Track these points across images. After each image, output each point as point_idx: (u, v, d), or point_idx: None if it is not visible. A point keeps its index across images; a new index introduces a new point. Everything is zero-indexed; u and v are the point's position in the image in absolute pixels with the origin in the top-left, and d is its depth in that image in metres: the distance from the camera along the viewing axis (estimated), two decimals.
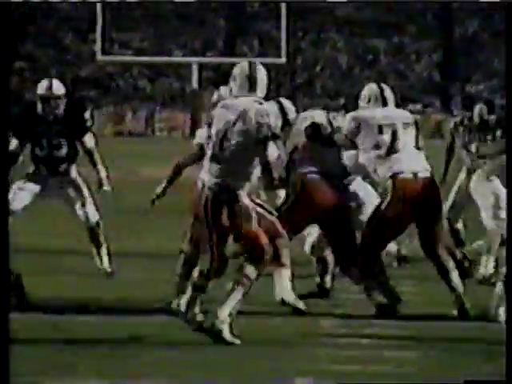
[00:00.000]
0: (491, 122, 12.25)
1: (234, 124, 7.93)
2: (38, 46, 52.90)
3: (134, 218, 15.90)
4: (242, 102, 8.08)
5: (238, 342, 7.64)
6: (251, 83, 8.24)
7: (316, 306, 9.19)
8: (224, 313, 7.62)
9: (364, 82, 51.96)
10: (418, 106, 48.27)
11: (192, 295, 7.91)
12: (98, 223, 10.93)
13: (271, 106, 8.60)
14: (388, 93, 9.45)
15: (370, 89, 9.53)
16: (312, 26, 52.32)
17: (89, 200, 10.95)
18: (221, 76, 50.45)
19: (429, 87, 51.20)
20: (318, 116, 9.51)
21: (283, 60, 24.49)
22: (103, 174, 11.06)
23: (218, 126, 7.99)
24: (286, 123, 9.07)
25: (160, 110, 47.36)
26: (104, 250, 11.01)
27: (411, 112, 10.36)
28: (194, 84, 45.56)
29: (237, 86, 8.22)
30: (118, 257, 11.28)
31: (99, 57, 23.24)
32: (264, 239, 7.79)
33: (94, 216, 10.90)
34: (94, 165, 11.06)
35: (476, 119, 12.28)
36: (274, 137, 7.91)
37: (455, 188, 12.20)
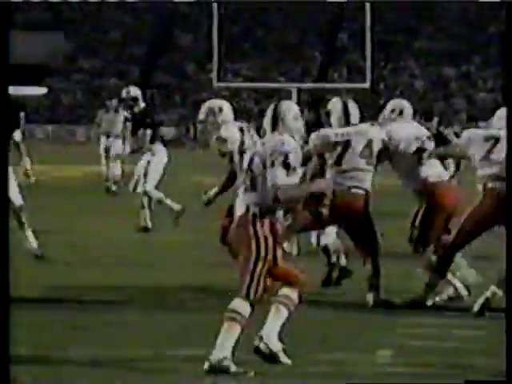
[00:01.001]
0: None
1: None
2: (165, 76, 53.43)
3: None
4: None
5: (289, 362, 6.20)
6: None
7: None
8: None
9: (436, 103, 51.28)
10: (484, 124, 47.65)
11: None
12: (21, 207, 10.37)
13: None
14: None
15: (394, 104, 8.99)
16: (393, 56, 52.08)
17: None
18: (316, 99, 50.53)
19: (492, 108, 50.58)
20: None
21: (367, 85, 24.32)
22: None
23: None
24: None
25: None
26: (28, 232, 10.47)
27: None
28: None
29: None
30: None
31: (215, 83, 23.24)
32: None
33: (17, 199, 10.35)
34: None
35: None
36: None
37: None
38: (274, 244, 6.11)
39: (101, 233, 13.06)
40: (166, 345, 6.61)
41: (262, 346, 6.09)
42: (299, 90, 45.08)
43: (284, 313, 6.12)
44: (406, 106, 8.90)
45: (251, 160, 6.32)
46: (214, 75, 24.75)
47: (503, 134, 7.86)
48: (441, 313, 7.87)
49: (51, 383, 5.79)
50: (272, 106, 6.50)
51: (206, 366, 5.98)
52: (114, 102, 21.75)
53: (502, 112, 8.14)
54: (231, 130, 8.83)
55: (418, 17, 54.73)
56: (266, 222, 6.13)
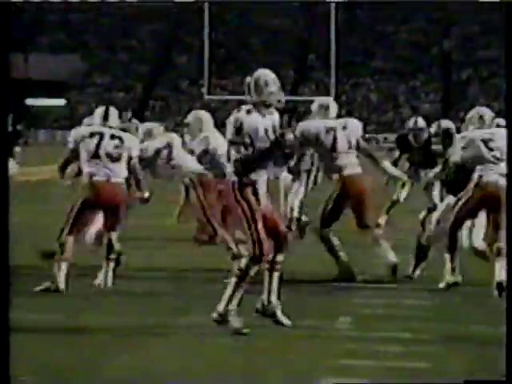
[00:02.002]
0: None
1: None
2: (164, 91, 53.21)
3: None
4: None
5: (288, 322, 6.00)
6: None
7: None
8: (274, 298, 5.96)
9: (389, 112, 51.18)
10: None
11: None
12: None
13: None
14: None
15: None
16: (352, 74, 52.04)
17: None
18: (289, 109, 50.47)
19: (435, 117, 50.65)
20: None
21: (332, 98, 24.57)
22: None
23: None
24: None
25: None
26: None
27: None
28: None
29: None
30: None
31: (206, 96, 23.20)
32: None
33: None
34: None
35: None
36: None
37: None
38: (257, 204, 5.77)
39: None
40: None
41: (269, 309, 5.91)
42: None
43: (280, 278, 5.94)
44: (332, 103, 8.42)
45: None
46: (204, 89, 24.79)
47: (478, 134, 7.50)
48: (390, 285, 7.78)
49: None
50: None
51: (215, 315, 5.83)
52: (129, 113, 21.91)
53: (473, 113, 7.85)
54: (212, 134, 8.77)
55: (374, 41, 54.74)
56: (247, 187, 5.77)
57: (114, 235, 7.50)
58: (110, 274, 7.41)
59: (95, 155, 7.37)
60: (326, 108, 8.23)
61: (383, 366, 5.12)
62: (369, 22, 55.24)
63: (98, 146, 7.37)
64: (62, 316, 6.37)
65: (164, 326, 6.07)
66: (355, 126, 8.23)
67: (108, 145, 7.42)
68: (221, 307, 5.86)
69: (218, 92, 46.74)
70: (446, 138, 8.57)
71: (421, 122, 10.02)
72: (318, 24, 46.46)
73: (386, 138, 45.95)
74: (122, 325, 6.11)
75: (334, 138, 8.03)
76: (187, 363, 5.16)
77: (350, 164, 8.00)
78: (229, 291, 5.86)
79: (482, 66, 53.10)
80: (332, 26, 25.97)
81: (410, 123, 10.13)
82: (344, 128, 8.12)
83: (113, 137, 7.45)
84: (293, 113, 11.35)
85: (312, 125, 8.23)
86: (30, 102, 50.58)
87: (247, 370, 5.05)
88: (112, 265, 7.43)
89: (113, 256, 7.46)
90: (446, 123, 9.33)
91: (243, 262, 5.86)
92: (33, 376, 4.79)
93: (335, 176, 8.00)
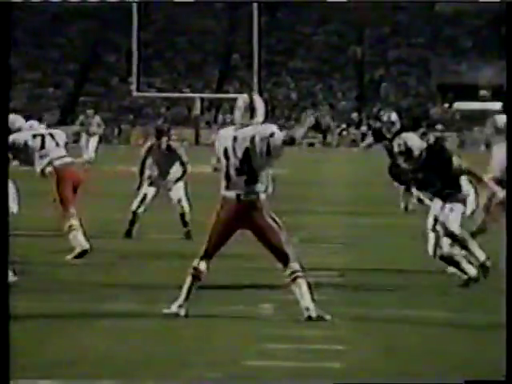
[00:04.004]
0: None
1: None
2: (94, 87, 52.60)
3: None
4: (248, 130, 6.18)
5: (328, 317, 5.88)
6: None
7: None
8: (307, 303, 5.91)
9: (305, 110, 51.81)
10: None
11: None
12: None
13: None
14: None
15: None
16: (273, 73, 52.23)
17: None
18: (214, 105, 50.41)
19: (350, 113, 51.27)
20: None
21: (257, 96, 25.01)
22: None
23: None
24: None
25: (174, 127, 47.15)
26: None
27: None
28: (197, 111, 45.47)
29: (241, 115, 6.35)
30: None
31: (134, 93, 22.93)
32: None
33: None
34: None
35: None
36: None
37: None
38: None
39: None
40: None
41: (313, 314, 5.82)
42: (202, 99, 45.11)
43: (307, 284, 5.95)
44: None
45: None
46: (133, 87, 24.52)
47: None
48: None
49: None
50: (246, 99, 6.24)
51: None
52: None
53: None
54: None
55: (293, 42, 55.04)
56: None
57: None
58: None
59: None
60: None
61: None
62: (289, 23, 55.49)
63: None
64: None
65: None
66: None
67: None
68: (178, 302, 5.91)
69: (147, 89, 46.36)
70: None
71: (393, 116, 10.54)
72: (242, 25, 46.52)
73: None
74: None
75: None
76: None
77: None
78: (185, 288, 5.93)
79: (392, 66, 53.88)
80: (255, 27, 26.04)
81: (384, 117, 10.60)
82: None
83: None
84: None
85: None
86: None
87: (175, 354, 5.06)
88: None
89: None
90: (394, 116, 9.85)
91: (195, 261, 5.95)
92: None
93: None
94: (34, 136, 8.72)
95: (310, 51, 54.93)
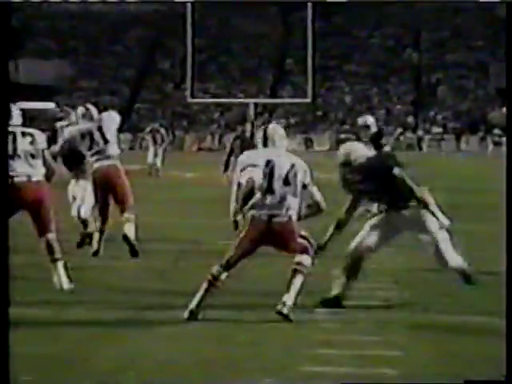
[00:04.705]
0: None
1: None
2: (149, 93, 53.06)
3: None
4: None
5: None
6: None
7: None
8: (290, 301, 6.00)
9: (360, 114, 51.28)
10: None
11: None
12: None
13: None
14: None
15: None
16: (327, 78, 52.11)
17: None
18: (268, 110, 50.48)
19: (402, 116, 50.81)
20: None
21: (309, 100, 24.54)
22: None
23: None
24: None
25: (228, 133, 47.43)
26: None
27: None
28: (251, 116, 45.49)
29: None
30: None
31: (189, 99, 23.10)
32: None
33: None
34: None
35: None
36: None
37: None
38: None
39: None
40: None
41: (285, 311, 5.91)
42: (256, 104, 45.60)
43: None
44: None
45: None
46: (188, 93, 24.76)
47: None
48: None
49: None
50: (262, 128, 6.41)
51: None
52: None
53: None
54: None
55: (348, 46, 54.83)
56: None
57: (50, 236, 6.87)
58: (62, 273, 6.89)
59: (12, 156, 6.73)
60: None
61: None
62: (344, 27, 55.27)
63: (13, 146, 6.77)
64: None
65: None
66: None
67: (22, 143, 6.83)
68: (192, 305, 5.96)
69: (201, 95, 46.74)
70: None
71: (369, 120, 10.35)
72: (296, 29, 46.54)
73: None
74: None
75: None
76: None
77: None
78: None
79: (450, 69, 53.31)
80: (309, 31, 25.96)
81: (360, 121, 10.47)
82: None
83: (24, 134, 6.88)
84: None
85: None
86: (20, 105, 50.29)
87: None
88: (60, 264, 6.87)
89: (58, 256, 6.87)
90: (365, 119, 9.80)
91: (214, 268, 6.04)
92: None
93: None
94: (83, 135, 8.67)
95: (365, 55, 54.64)
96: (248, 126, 10.59)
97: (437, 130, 48.49)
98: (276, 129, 6.42)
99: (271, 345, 5.44)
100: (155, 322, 5.99)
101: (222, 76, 53.14)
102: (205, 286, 6.01)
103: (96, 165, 8.66)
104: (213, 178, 22.28)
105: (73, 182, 9.38)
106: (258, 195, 6.10)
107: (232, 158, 10.41)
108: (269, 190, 6.08)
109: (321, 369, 4.89)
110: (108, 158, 8.69)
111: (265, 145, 6.30)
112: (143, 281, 7.62)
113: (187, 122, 50.33)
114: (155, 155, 23.13)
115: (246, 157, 6.36)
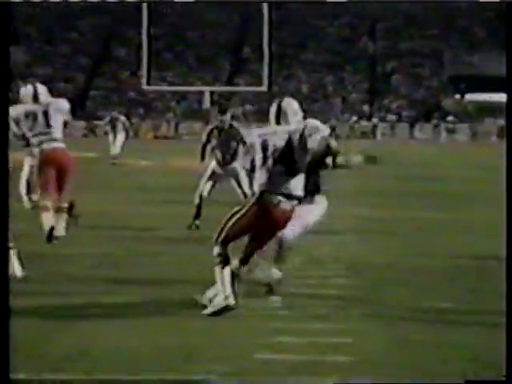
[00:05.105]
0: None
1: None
2: (105, 81, 52.65)
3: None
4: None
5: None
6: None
7: None
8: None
9: (316, 103, 51.53)
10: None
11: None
12: None
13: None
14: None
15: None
16: (284, 66, 52.15)
17: None
18: (224, 98, 50.37)
19: (361, 105, 51.08)
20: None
21: (265, 89, 24.58)
22: None
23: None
24: None
25: (184, 121, 47.25)
26: None
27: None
28: (207, 104, 45.39)
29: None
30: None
31: (144, 86, 22.95)
32: None
33: None
34: None
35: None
36: None
37: None
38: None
39: None
40: None
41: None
42: (212, 92, 45.17)
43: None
44: None
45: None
46: (143, 80, 24.50)
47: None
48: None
49: None
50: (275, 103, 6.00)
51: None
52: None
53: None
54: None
55: (305, 35, 54.91)
56: None
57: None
58: (15, 261, 6.87)
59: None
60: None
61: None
62: (301, 16, 55.35)
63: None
64: None
65: None
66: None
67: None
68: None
69: (157, 83, 46.43)
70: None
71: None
72: (253, 18, 46.42)
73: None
74: None
75: None
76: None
77: None
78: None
79: (404, 58, 53.70)
80: (265, 20, 25.95)
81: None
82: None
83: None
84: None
85: None
86: None
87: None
88: (13, 252, 6.83)
89: (10, 244, 6.54)
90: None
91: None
92: None
93: None
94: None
95: (321, 44, 54.79)
96: (228, 116, 10.46)
97: (391, 117, 48.86)
98: (291, 103, 6.05)
99: (225, 333, 5.42)
100: (108, 310, 5.94)
101: (178, 64, 52.89)
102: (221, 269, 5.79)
103: (43, 146, 8.47)
104: (169, 166, 22.25)
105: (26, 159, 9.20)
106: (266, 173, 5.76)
107: (208, 148, 10.32)
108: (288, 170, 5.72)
109: (275, 356, 4.89)
110: (55, 140, 8.51)
111: (277, 121, 5.95)
112: (96, 268, 7.56)
113: (143, 109, 50.04)
114: (116, 143, 22.62)
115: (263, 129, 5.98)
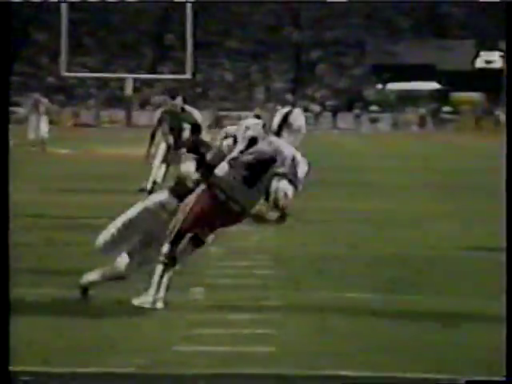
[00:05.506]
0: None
1: None
2: (24, 66, 51.71)
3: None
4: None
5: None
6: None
7: None
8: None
9: (240, 92, 51.55)
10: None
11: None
12: None
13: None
14: None
15: None
16: (209, 54, 52.04)
17: None
18: (147, 86, 49.96)
19: (284, 94, 51.34)
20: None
21: (189, 76, 24.52)
22: None
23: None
24: None
25: (105, 109, 46.73)
26: None
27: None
28: (129, 91, 44.96)
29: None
30: None
31: (64, 73, 22.65)
32: None
33: None
34: None
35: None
36: None
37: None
38: None
39: None
40: None
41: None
42: (134, 80, 44.69)
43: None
44: None
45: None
46: (62, 67, 24.07)
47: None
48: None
49: None
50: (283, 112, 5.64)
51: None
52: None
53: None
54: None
55: (229, 22, 54.85)
56: None
57: None
58: None
59: None
60: None
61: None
62: (224, 3, 55.24)
63: None
64: None
65: None
66: None
67: None
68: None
69: (78, 69, 45.76)
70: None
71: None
72: (176, 4, 46.07)
73: (240, 116, 46.29)
74: None
75: None
76: None
77: None
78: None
79: (329, 47, 54.17)
80: (188, 6, 25.89)
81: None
82: None
83: None
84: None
85: None
86: None
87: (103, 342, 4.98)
88: None
89: None
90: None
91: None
92: None
93: None
94: None
95: (246, 32, 54.81)
96: (179, 99, 10.38)
97: (315, 107, 49.24)
98: (298, 118, 5.69)
99: (144, 325, 5.38)
100: (25, 301, 5.82)
101: (100, 50, 52.21)
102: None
103: None
104: (90, 154, 21.96)
105: None
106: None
107: (158, 133, 10.19)
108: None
109: (194, 348, 4.87)
110: None
111: (279, 131, 5.60)
112: (16, 259, 7.40)
113: (63, 96, 49.24)
114: (40, 128, 21.81)
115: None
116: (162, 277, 5.64)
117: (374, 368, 4.57)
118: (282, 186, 5.55)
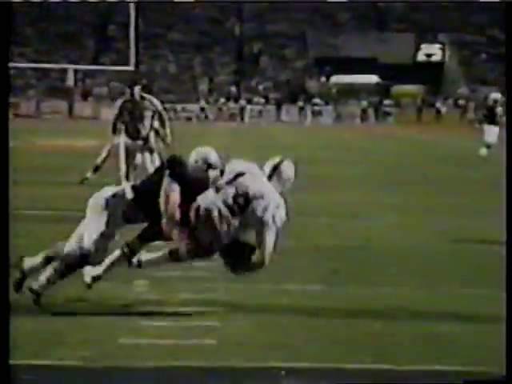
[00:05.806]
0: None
1: None
2: None
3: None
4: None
5: None
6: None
7: None
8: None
9: (184, 84, 51.28)
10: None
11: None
12: None
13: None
14: None
15: None
16: (151, 46, 51.75)
17: None
18: (90, 77, 49.47)
19: (229, 86, 51.26)
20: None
21: (131, 68, 24.41)
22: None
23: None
24: None
25: (46, 99, 46.14)
26: None
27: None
28: (70, 82, 44.53)
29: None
30: None
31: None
32: None
33: None
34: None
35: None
36: None
37: None
38: None
39: None
40: None
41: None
42: (75, 71, 44.19)
43: None
44: None
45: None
46: None
47: None
48: None
49: None
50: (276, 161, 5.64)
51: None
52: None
53: None
54: None
55: (172, 14, 54.60)
56: None
57: None
58: None
59: None
60: None
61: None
62: None
63: None
64: None
65: None
66: None
67: None
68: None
69: (18, 60, 45.09)
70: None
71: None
72: None
73: (183, 108, 46.10)
74: None
75: None
76: None
77: None
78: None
79: (271, 39, 54.31)
80: None
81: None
82: None
83: None
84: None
85: None
86: None
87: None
88: None
89: None
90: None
91: None
92: None
93: None
94: None
95: (189, 24, 54.63)
96: (137, 88, 10.31)
97: (258, 100, 49.32)
98: (289, 169, 5.77)
99: (89, 317, 5.39)
100: None
101: (40, 41, 51.53)
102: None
103: None
104: (32, 145, 21.64)
105: None
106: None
107: (119, 122, 10.08)
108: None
109: (141, 341, 4.90)
110: None
111: (269, 178, 5.62)
112: None
113: None
114: None
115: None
116: (113, 264, 5.57)
117: (319, 360, 4.66)
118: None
